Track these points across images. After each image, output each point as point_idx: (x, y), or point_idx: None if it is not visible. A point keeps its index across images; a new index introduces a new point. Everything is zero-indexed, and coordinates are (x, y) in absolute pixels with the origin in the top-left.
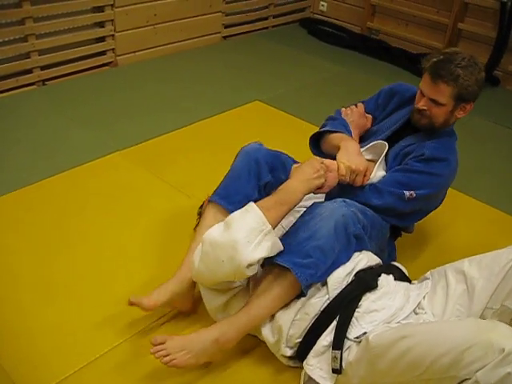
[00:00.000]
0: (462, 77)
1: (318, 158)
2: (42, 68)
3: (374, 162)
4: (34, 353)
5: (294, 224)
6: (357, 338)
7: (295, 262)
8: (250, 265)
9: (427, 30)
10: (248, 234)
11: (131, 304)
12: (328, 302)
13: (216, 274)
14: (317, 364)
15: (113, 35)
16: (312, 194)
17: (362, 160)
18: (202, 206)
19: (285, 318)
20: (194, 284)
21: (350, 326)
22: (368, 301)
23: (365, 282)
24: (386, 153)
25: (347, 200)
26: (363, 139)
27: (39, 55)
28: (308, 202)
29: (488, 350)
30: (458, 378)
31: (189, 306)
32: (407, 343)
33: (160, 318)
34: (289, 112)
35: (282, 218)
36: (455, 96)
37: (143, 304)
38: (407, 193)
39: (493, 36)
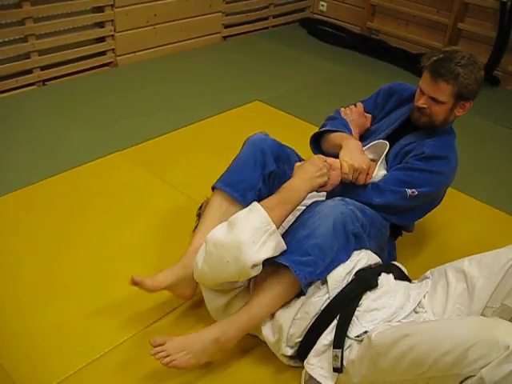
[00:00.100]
0: (461, 75)
1: (320, 156)
2: (42, 68)
3: (375, 161)
4: (35, 353)
5: (293, 223)
6: (357, 336)
7: (294, 260)
8: (255, 265)
9: (427, 30)
10: (253, 234)
11: (134, 283)
12: (328, 301)
13: (220, 275)
14: (317, 363)
15: (113, 35)
16: (314, 193)
17: (365, 158)
18: (200, 207)
19: (285, 317)
20: None
21: (350, 325)
22: (368, 300)
23: (365, 281)
24: (387, 152)
25: (346, 198)
26: (363, 138)
27: (39, 55)
28: (309, 200)
29: (492, 348)
30: (462, 375)
31: (189, 293)
32: (410, 341)
33: (160, 318)
34: (289, 112)
35: (286, 217)
36: (455, 94)
37: (146, 284)
38: (409, 191)
39: (493, 36)
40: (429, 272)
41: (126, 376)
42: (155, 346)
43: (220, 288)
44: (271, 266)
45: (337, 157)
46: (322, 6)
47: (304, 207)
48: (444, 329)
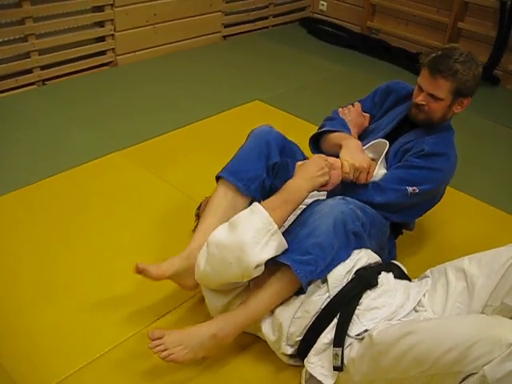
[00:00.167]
0: (460, 72)
1: (321, 155)
2: (42, 68)
3: (375, 160)
4: (35, 352)
5: (293, 222)
6: (358, 335)
7: (295, 259)
8: (257, 265)
9: (427, 29)
10: (255, 235)
11: (138, 270)
12: (329, 299)
13: (223, 276)
14: (318, 362)
15: (113, 35)
16: (315, 192)
17: (365, 157)
18: (199, 207)
19: (285, 315)
20: None
21: (350, 324)
22: (368, 298)
23: (365, 279)
24: (387, 151)
25: (347, 197)
26: (361, 138)
27: (39, 55)
28: (309, 199)
29: (495, 345)
30: (463, 373)
31: (192, 284)
32: (412, 340)
33: (160, 318)
34: (289, 111)
35: (288, 217)
36: (454, 91)
37: (151, 272)
38: (410, 188)
39: (493, 35)
40: (429, 271)
41: (126, 375)
42: (153, 340)
43: (222, 288)
44: (272, 265)
45: (337, 157)
46: (322, 5)
47: (304, 206)
48: (446, 327)
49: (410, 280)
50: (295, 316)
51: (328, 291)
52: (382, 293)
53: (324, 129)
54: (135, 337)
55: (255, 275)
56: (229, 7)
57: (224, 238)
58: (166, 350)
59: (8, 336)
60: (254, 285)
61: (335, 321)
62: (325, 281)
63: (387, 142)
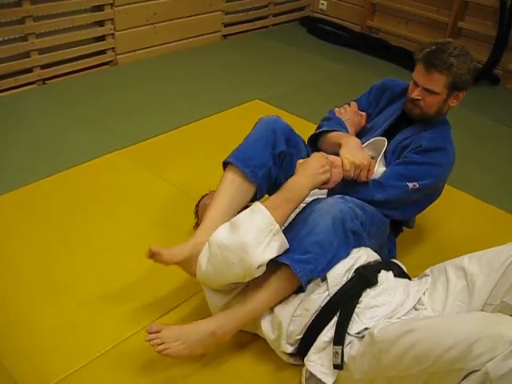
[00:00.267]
0: (455, 65)
1: (322, 153)
2: (42, 67)
3: (374, 158)
4: (35, 352)
5: (293, 219)
6: (358, 333)
7: (294, 259)
8: (260, 266)
9: (427, 28)
10: (257, 235)
11: (151, 254)
12: (328, 298)
13: (225, 276)
14: (318, 360)
15: (113, 34)
16: (315, 190)
17: (365, 155)
18: (198, 204)
19: (284, 313)
20: None
21: (350, 322)
22: (368, 297)
23: (365, 278)
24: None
25: (346, 196)
26: (359, 136)
27: (39, 54)
28: (309, 198)
29: (498, 342)
30: (465, 370)
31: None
32: (413, 337)
33: (159, 318)
34: (289, 111)
35: (289, 216)
36: (449, 84)
37: (163, 255)
38: (410, 184)
39: (493, 34)
40: (428, 270)
41: (126, 375)
42: (151, 333)
43: (224, 288)
44: (272, 265)
45: (337, 155)
46: (322, 4)
47: (304, 205)
48: (447, 324)
49: (409, 278)
50: (295, 314)
51: (328, 289)
52: (382, 291)
53: (322, 129)
54: (135, 336)
55: (257, 275)
56: (229, 6)
57: (225, 238)
58: (162, 343)
59: (8, 335)
60: (253, 283)
61: (335, 319)
62: (324, 279)
63: (385, 140)
